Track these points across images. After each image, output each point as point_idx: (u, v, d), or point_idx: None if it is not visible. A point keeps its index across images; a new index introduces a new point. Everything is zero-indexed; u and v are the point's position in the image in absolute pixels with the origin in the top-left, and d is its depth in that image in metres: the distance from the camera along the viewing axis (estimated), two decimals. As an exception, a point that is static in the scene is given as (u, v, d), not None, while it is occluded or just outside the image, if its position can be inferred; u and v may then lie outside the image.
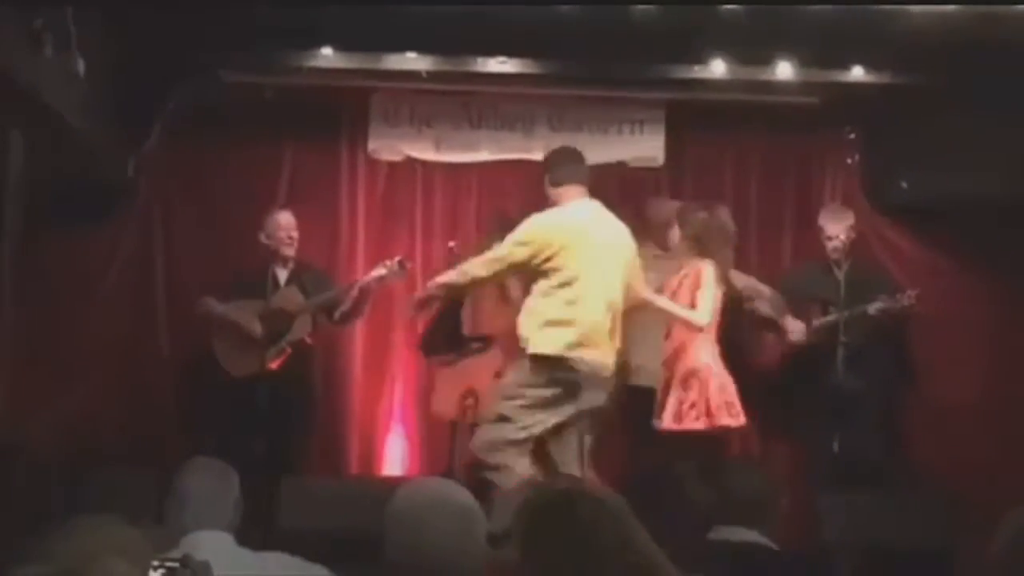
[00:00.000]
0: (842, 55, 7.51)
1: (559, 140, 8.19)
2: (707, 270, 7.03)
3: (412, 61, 7.60)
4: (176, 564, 3.11)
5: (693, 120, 8.33)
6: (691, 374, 7.11)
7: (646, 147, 8.35)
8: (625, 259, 6.84)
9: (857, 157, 8.28)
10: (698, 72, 7.62)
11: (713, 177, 8.44)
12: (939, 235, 7.91)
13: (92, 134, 6.90)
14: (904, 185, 7.90)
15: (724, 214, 7.32)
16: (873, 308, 7.49)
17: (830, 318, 7.59)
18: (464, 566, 3.03)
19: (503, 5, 6.97)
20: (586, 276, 6.66)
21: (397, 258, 7.63)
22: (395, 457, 8.20)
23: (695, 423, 7.03)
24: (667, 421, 7.13)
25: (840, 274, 7.64)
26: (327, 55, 7.53)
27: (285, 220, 7.85)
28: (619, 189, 8.37)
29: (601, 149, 8.29)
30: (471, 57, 7.65)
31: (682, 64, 7.63)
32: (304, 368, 7.88)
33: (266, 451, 7.21)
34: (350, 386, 8.29)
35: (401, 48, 7.56)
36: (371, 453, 8.25)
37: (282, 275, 7.84)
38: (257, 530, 4.21)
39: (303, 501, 6.87)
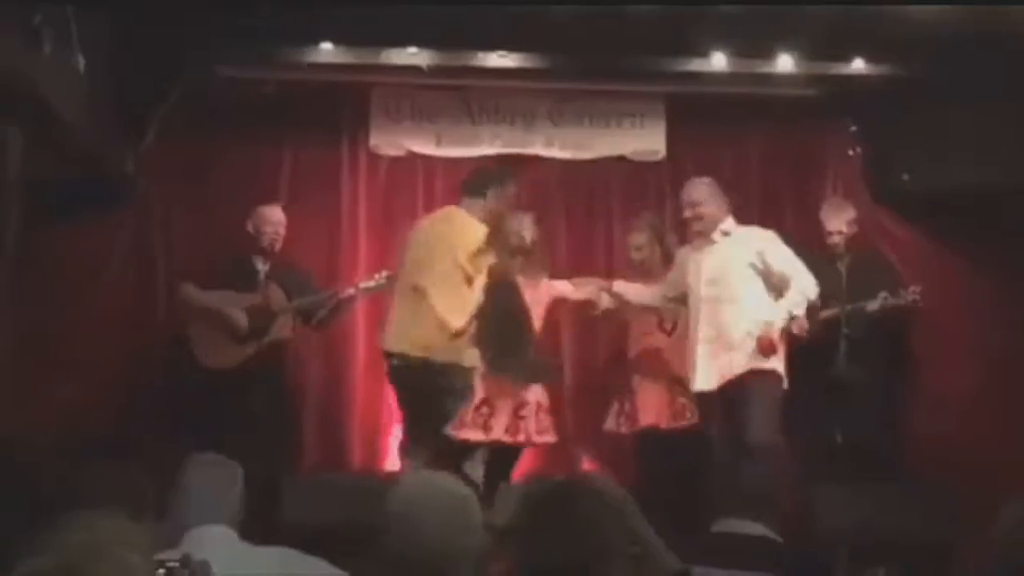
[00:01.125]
0: (843, 48, 7.51)
1: (559, 134, 8.26)
2: (477, 279, 7.02)
3: (412, 56, 7.59)
4: (176, 564, 3.12)
5: (694, 113, 8.32)
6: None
7: (647, 140, 8.35)
8: (450, 255, 6.89)
9: (858, 149, 8.27)
10: (698, 65, 7.62)
11: (714, 170, 8.42)
12: (940, 227, 7.90)
13: (91, 130, 6.88)
14: (905, 177, 7.89)
15: (520, 222, 7.31)
16: (874, 305, 7.50)
17: (832, 311, 7.58)
18: (461, 558, 3.03)
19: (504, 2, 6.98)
20: (403, 271, 7.04)
21: (385, 272, 7.61)
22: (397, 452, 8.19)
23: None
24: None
25: (842, 267, 7.64)
26: (327, 50, 7.52)
27: (274, 216, 7.85)
28: (620, 182, 8.39)
29: (602, 143, 8.32)
30: (471, 51, 7.64)
31: (682, 57, 7.63)
32: (280, 366, 7.89)
33: (255, 446, 7.16)
34: (353, 381, 8.28)
35: (401, 43, 7.56)
36: (374, 448, 8.24)
37: (261, 268, 7.83)
38: (260, 525, 4.21)
39: (306, 496, 6.88)
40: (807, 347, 7.63)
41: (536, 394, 7.47)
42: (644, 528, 3.69)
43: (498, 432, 7.33)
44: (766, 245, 7.19)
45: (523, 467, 7.83)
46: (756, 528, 4.38)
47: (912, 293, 7.50)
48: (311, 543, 4.00)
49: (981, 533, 3.59)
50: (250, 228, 7.80)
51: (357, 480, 7.38)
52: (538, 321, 7.50)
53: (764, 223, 8.03)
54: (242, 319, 7.62)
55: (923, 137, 7.65)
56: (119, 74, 7.13)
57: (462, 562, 3.03)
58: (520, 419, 7.35)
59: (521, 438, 7.40)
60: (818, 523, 6.83)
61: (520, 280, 7.30)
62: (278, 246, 7.84)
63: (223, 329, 7.63)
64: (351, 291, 7.77)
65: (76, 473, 4.19)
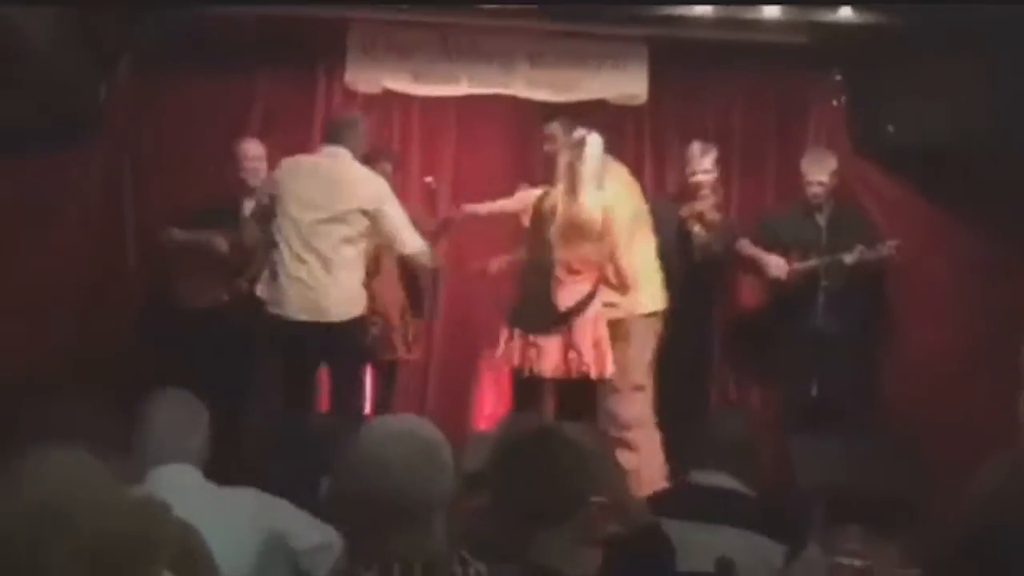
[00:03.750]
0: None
1: (538, 76, 8.15)
2: None
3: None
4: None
5: (677, 58, 8.19)
6: None
7: (628, 84, 8.22)
8: None
9: (843, 99, 8.20)
10: (682, 9, 7.53)
11: (696, 116, 8.36)
12: (923, 180, 7.84)
13: (60, 61, 6.79)
14: (890, 129, 7.83)
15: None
16: (851, 257, 7.45)
17: (810, 263, 7.54)
18: (432, 502, 2.95)
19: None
20: None
21: None
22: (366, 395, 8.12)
23: None
24: None
25: (821, 219, 7.60)
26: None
27: (251, 150, 7.70)
28: (600, 127, 8.28)
29: (582, 85, 8.20)
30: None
31: (667, 1, 7.54)
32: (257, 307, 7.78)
33: (232, 384, 7.08)
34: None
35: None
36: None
37: (248, 206, 7.69)
38: (225, 464, 4.15)
39: (272, 436, 6.83)
40: (784, 298, 7.61)
41: None
42: (616, 479, 3.64)
43: None
44: None
45: (494, 412, 7.80)
46: (729, 481, 4.35)
47: (889, 247, 7.46)
48: (278, 484, 3.97)
49: (958, 489, 3.54)
50: (233, 163, 7.68)
51: (327, 421, 7.32)
52: None
53: (745, 170, 7.98)
54: (222, 245, 7.49)
55: (909, 89, 7.57)
56: (90, 7, 7.01)
57: (434, 507, 2.95)
58: None
59: None
60: (792, 477, 6.80)
61: None
62: (260, 181, 7.69)
63: (204, 268, 7.52)
64: None
65: (41, 408, 4.14)
